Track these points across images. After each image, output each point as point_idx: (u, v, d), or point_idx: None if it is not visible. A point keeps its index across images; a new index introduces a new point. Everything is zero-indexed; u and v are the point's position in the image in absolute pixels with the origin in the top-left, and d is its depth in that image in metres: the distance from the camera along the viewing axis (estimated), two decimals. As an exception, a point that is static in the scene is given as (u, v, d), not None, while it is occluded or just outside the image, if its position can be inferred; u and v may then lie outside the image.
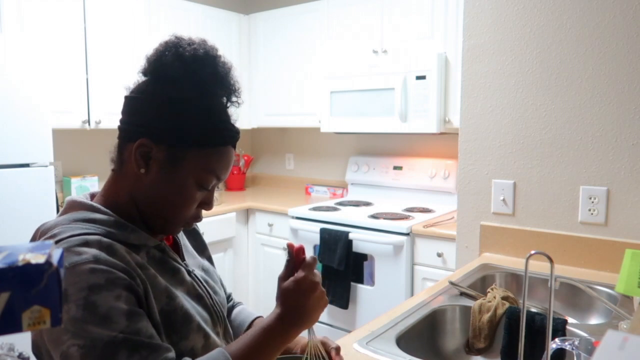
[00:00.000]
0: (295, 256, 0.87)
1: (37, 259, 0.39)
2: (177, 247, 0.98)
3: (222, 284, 1.09)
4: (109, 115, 2.83)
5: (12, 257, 0.39)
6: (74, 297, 0.72)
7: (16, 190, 2.14)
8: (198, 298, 0.92)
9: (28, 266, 0.39)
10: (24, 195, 2.16)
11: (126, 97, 0.87)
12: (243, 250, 3.31)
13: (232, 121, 0.89)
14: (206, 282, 0.97)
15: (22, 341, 0.81)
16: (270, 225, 3.13)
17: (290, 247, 0.88)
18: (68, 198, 0.88)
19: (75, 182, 2.93)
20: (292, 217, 2.91)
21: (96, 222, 0.82)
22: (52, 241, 0.50)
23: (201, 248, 1.09)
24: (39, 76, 2.19)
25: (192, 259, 1.00)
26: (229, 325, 1.01)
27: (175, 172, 0.84)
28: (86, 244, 0.77)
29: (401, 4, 2.83)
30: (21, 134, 2.14)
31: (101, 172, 3.21)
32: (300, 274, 0.84)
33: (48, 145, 2.24)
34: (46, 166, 2.24)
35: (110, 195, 0.89)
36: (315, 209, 2.91)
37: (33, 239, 0.86)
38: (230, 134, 0.87)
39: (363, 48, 3.01)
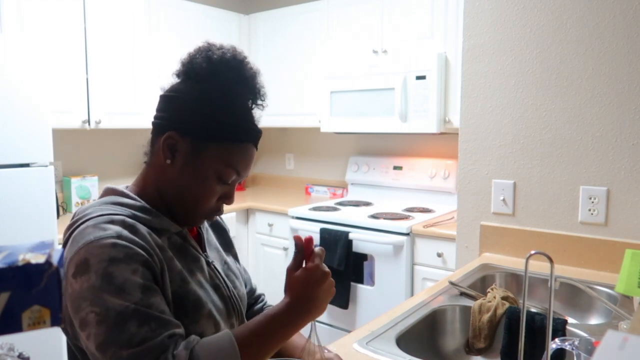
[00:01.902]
0: (305, 247, 0.89)
1: (37, 259, 0.39)
2: (200, 240, 1.03)
3: (249, 283, 1.15)
4: (109, 115, 2.84)
5: (12, 257, 0.39)
6: (94, 268, 0.79)
7: (16, 190, 2.13)
8: (215, 288, 0.96)
9: (28, 266, 0.39)
10: (24, 195, 2.15)
11: (160, 96, 0.95)
12: (243, 250, 3.31)
13: (254, 121, 0.94)
14: (226, 275, 1.02)
15: (22, 341, 0.81)
16: (270, 225, 3.13)
17: (298, 239, 0.89)
18: (106, 186, 0.98)
19: (75, 182, 2.93)
20: (292, 217, 2.91)
21: (124, 205, 0.89)
22: (52, 241, 0.51)
23: (227, 245, 1.14)
24: (39, 76, 2.19)
25: (214, 253, 1.05)
26: (245, 319, 1.04)
27: (197, 164, 0.89)
28: (111, 222, 0.84)
29: (401, 4, 2.83)
30: (21, 134, 2.14)
31: (101, 172, 3.21)
32: (310, 264, 0.87)
33: (48, 145, 2.23)
34: (46, 166, 2.23)
35: (140, 185, 0.96)
36: (315, 209, 2.91)
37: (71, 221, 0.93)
38: (251, 132, 0.92)
39: (363, 48, 3.01)
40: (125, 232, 0.83)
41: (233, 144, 0.90)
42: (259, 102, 0.96)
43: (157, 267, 0.84)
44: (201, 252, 0.98)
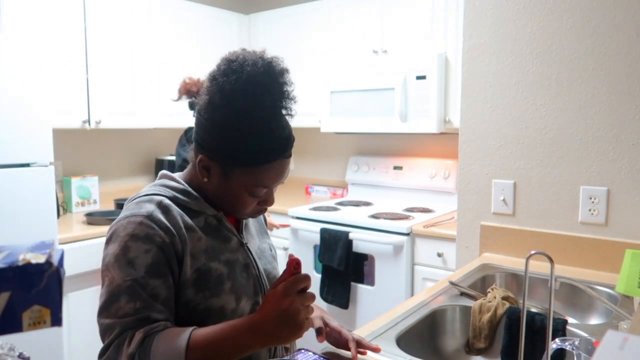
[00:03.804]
0: (287, 267, 0.85)
1: (37, 258, 0.39)
2: (238, 223, 1.09)
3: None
4: (109, 115, 2.83)
5: (12, 257, 0.39)
6: (119, 239, 0.89)
7: (16, 190, 2.13)
8: (245, 266, 1.03)
9: (28, 266, 0.39)
10: (24, 195, 2.15)
11: (195, 112, 0.99)
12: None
13: (280, 135, 0.92)
14: (258, 257, 1.09)
15: (22, 341, 0.81)
16: (270, 225, 3.13)
17: (289, 258, 0.87)
18: (161, 171, 1.07)
19: (75, 182, 2.93)
20: (292, 217, 2.91)
21: (168, 187, 0.99)
22: (52, 240, 0.50)
23: (264, 235, 1.20)
24: (39, 76, 2.19)
25: (249, 237, 1.11)
26: None
27: (229, 183, 0.96)
28: (150, 201, 0.94)
29: (401, 4, 2.83)
30: (21, 134, 2.14)
31: (101, 172, 3.21)
32: (281, 285, 0.83)
33: (48, 145, 2.23)
34: (46, 166, 2.23)
35: (187, 176, 1.05)
36: (315, 209, 2.91)
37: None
38: (275, 151, 0.92)
39: (363, 48, 3.01)
40: (156, 213, 0.91)
41: (257, 167, 0.93)
42: (288, 112, 0.95)
43: (174, 250, 0.90)
44: (236, 233, 1.04)
